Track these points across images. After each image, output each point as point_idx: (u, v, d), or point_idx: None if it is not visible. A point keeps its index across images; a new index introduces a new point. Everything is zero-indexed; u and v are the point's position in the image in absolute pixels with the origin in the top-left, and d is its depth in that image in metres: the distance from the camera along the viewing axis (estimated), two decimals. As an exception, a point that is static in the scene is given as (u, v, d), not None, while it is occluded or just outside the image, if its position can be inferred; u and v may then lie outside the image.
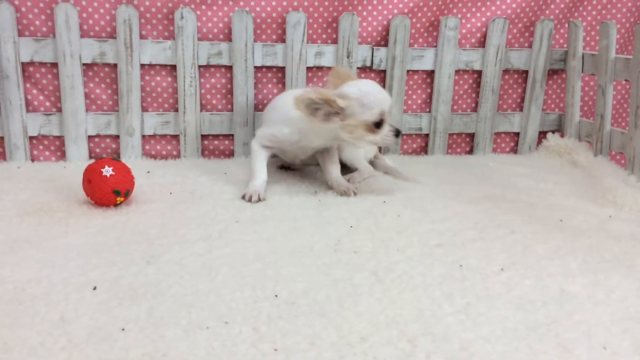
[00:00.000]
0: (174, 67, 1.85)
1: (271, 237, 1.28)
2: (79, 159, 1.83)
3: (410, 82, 2.03)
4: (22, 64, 1.76)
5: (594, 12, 2.08)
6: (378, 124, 1.47)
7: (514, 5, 2.02)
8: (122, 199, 1.42)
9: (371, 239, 1.28)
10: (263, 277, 1.08)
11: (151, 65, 1.85)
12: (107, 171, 1.40)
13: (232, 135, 1.95)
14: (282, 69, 1.92)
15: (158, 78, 1.86)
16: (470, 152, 2.15)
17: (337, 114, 1.45)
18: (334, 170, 1.63)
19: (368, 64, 1.96)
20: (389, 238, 1.29)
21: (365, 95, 1.46)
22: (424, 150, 2.11)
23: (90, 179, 1.41)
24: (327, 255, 1.19)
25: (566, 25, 2.07)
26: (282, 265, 1.14)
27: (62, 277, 1.06)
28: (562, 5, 2.05)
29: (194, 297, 1.00)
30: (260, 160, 1.60)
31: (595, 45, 2.08)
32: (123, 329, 0.89)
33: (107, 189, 1.39)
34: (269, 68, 1.93)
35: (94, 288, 1.02)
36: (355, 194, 1.59)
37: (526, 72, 2.10)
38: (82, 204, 1.44)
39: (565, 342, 0.89)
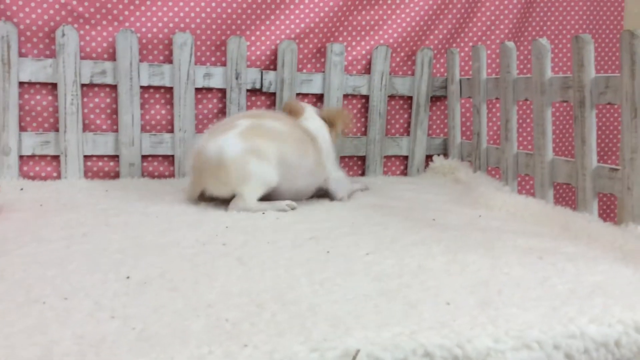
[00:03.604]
0: (55, 86, 1.82)
1: (139, 235, 1.24)
2: (-53, 178, 1.72)
3: (300, 106, 2.08)
4: None
5: (470, 44, 2.24)
6: None
7: (395, 35, 2.14)
8: (-18, 207, 1.35)
9: (244, 234, 1.27)
10: (120, 265, 1.04)
11: (31, 84, 1.80)
12: (-33, 176, 1.32)
13: (118, 156, 1.90)
14: (170, 90, 1.93)
15: (38, 97, 1.81)
16: (363, 174, 2.20)
17: None
18: None
19: (258, 86, 2.00)
20: (262, 234, 1.29)
21: None
22: (316, 172, 2.14)
23: (-53, 184, 1.33)
24: (195, 248, 1.17)
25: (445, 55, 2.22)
26: (143, 256, 1.10)
27: None
28: (440, 37, 2.20)
29: (37, 280, 0.94)
30: None
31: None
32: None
33: (-35, 195, 1.32)
34: (157, 88, 1.92)
35: None
36: None
37: (411, 98, 2.20)
38: (-63, 213, 1.35)
39: (412, 301, 0.90)
